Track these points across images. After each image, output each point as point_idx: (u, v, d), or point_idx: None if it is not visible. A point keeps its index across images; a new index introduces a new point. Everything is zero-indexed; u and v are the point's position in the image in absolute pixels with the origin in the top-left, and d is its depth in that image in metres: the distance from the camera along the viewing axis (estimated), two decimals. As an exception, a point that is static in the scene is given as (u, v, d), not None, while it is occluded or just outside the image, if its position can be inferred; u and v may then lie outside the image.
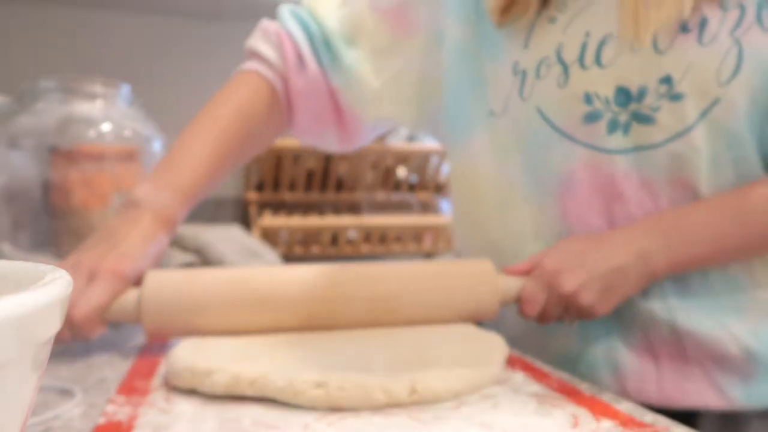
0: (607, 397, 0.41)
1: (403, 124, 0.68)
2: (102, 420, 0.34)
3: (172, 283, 0.48)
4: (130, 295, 0.48)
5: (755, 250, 0.48)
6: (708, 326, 0.48)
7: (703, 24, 0.45)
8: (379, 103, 0.64)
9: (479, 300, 0.51)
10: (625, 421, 0.36)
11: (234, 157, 0.61)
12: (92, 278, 0.47)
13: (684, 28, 0.46)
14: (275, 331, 0.49)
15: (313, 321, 0.49)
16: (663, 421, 0.36)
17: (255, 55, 0.64)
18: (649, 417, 0.37)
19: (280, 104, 0.64)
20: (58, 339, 0.43)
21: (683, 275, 0.49)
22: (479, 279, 0.51)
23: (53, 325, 0.18)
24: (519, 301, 0.51)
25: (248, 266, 0.52)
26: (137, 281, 0.49)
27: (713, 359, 0.48)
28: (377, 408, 0.37)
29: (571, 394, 0.41)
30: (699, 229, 0.47)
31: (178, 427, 0.34)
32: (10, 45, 1.27)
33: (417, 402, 0.38)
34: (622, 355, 0.52)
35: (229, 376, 0.38)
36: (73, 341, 0.48)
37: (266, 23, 0.65)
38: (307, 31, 0.63)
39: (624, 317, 0.52)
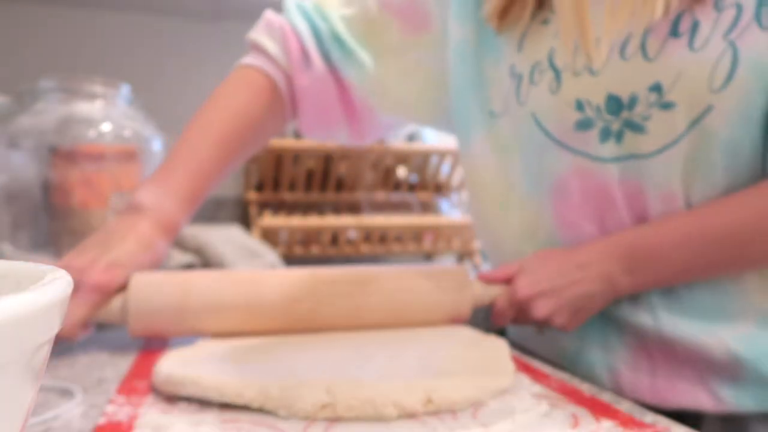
0: (607, 397, 0.41)
1: (419, 120, 0.68)
2: (102, 420, 0.34)
3: (155, 286, 0.48)
4: (116, 301, 0.48)
5: (721, 270, 0.47)
6: (694, 333, 0.48)
7: (694, 28, 0.43)
8: (394, 99, 0.63)
9: (453, 303, 0.53)
10: (626, 421, 0.36)
11: (235, 159, 0.61)
12: (75, 290, 0.46)
13: (674, 32, 0.44)
14: (257, 332, 0.50)
15: (294, 322, 0.50)
16: (663, 422, 0.36)
17: (258, 48, 0.63)
18: (650, 417, 0.37)
19: (283, 102, 0.64)
20: None
21: (670, 288, 0.49)
22: (454, 284, 0.53)
23: (53, 326, 0.18)
24: (491, 311, 0.54)
25: (233, 269, 0.52)
26: (124, 285, 0.49)
27: (703, 362, 0.48)
28: (389, 421, 0.36)
29: (571, 394, 0.41)
30: (660, 253, 0.47)
31: (178, 427, 0.34)
32: (10, 45, 1.27)
33: (431, 412, 0.37)
34: (618, 356, 0.52)
35: (228, 399, 0.37)
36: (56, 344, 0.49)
37: (270, 15, 0.64)
38: (314, 26, 0.62)
39: (616, 325, 0.52)
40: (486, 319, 0.77)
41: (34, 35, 1.30)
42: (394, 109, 0.64)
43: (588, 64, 0.47)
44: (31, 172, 0.73)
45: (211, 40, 1.39)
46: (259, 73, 0.62)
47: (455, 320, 0.54)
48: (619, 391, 0.51)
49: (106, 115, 0.77)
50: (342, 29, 0.62)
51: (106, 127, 0.76)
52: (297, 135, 1.39)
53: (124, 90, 0.80)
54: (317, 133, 0.69)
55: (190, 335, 0.50)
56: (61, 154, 0.73)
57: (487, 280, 0.54)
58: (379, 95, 0.63)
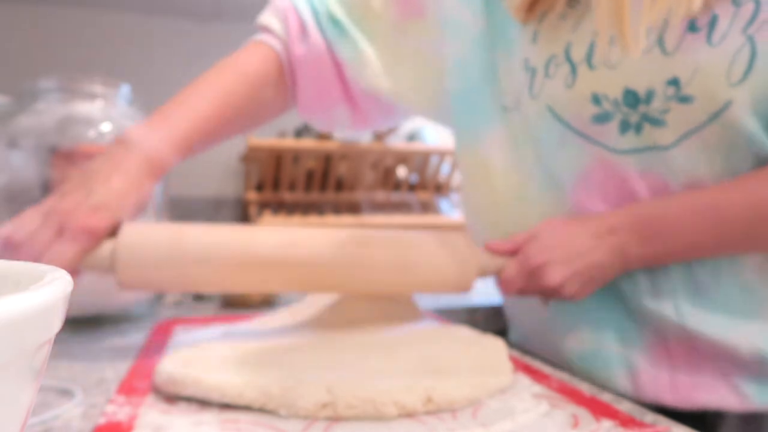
0: (607, 397, 0.41)
1: (413, 107, 0.67)
2: (102, 420, 0.34)
3: (148, 239, 0.46)
4: (105, 247, 0.47)
5: (733, 248, 0.47)
6: (719, 329, 0.47)
7: (713, 22, 0.43)
8: (387, 81, 0.63)
9: (459, 267, 0.51)
10: (626, 421, 0.36)
11: (234, 119, 0.59)
12: (62, 232, 0.45)
13: (692, 27, 0.44)
14: (253, 286, 0.48)
15: (291, 275, 0.48)
16: (664, 422, 0.36)
17: (262, 28, 0.65)
18: (650, 417, 0.37)
19: (284, 74, 0.64)
20: None
21: (696, 279, 0.49)
22: (460, 248, 0.51)
23: (53, 326, 0.18)
24: (498, 279, 0.52)
25: (225, 226, 0.50)
26: (112, 233, 0.47)
27: (726, 358, 0.47)
28: (389, 420, 0.36)
29: (571, 394, 0.41)
30: (674, 225, 0.46)
31: (178, 427, 0.34)
32: (10, 45, 1.27)
33: (431, 411, 0.37)
34: (636, 355, 0.51)
35: (229, 399, 0.37)
36: None
37: (278, 0, 0.65)
38: (313, 6, 0.64)
39: (636, 317, 0.51)
40: (485, 320, 0.77)
41: (34, 35, 1.30)
42: (388, 91, 0.64)
43: (623, 55, 0.46)
44: (31, 172, 0.73)
45: (211, 40, 1.39)
46: (262, 45, 0.63)
47: (460, 287, 0.52)
48: (637, 390, 0.50)
49: (106, 115, 0.77)
50: (338, 10, 0.63)
51: (106, 127, 0.76)
52: (297, 135, 1.39)
53: (124, 90, 0.80)
54: (317, 114, 0.68)
55: (181, 290, 0.48)
56: (61, 154, 0.73)
57: (494, 250, 0.52)
58: (372, 76, 0.63)
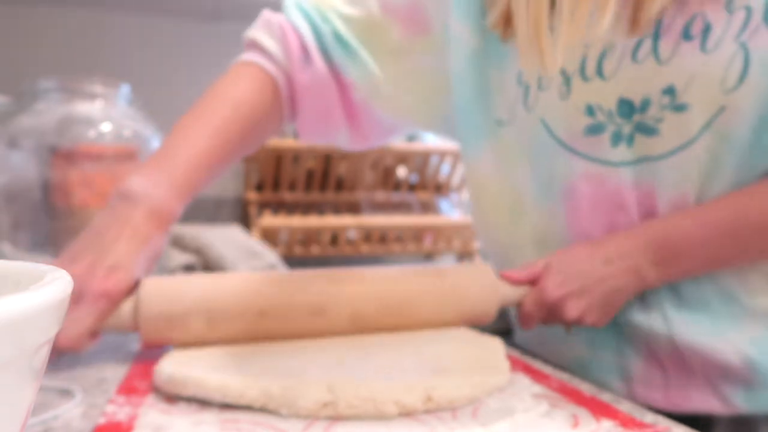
0: (607, 397, 0.41)
1: (420, 124, 0.66)
2: (102, 420, 0.34)
3: (169, 294, 0.46)
4: (125, 307, 0.46)
5: (748, 260, 0.47)
6: (706, 337, 0.48)
7: (706, 30, 0.44)
8: (394, 101, 0.62)
9: (478, 305, 0.51)
10: (626, 421, 0.36)
11: (232, 153, 0.58)
12: (79, 300, 0.44)
13: (687, 35, 0.44)
14: (277, 340, 0.48)
15: (315, 329, 0.48)
16: (664, 422, 0.36)
17: (256, 46, 0.61)
18: (650, 417, 0.37)
19: (281, 101, 0.62)
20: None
21: (678, 288, 0.49)
22: (480, 284, 0.51)
23: (53, 326, 0.18)
24: (518, 313, 0.52)
25: (245, 272, 0.50)
26: (131, 292, 0.47)
27: (715, 368, 0.48)
28: (389, 419, 0.36)
29: (571, 394, 0.41)
30: (689, 243, 0.46)
31: (178, 427, 0.34)
32: (10, 45, 1.27)
33: (431, 410, 0.37)
34: (631, 362, 0.52)
35: (231, 399, 0.37)
36: (63, 356, 0.46)
37: (269, 14, 0.62)
38: (314, 26, 0.61)
39: (628, 332, 0.52)
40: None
41: (34, 35, 1.30)
42: (395, 112, 0.63)
43: (542, 73, 0.47)
44: (31, 172, 0.73)
45: (211, 40, 1.39)
46: (257, 69, 0.60)
47: (481, 321, 0.53)
48: (632, 399, 0.51)
49: (106, 115, 0.77)
50: (343, 29, 0.61)
51: (106, 127, 0.76)
52: (297, 135, 1.39)
53: (124, 90, 0.80)
54: (316, 136, 0.67)
55: (204, 343, 0.47)
56: (61, 154, 0.73)
57: (512, 280, 0.52)
58: (381, 97, 0.62)
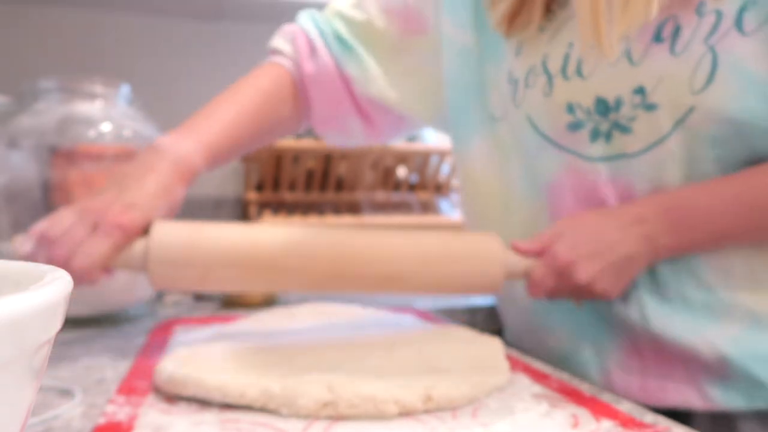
0: (607, 397, 0.41)
1: (421, 119, 0.69)
2: (102, 420, 0.34)
3: (180, 236, 0.47)
4: (137, 245, 0.47)
5: (758, 237, 0.47)
6: (684, 331, 0.48)
7: (676, 33, 0.45)
8: (394, 96, 0.65)
9: (484, 272, 0.50)
10: (626, 421, 0.36)
11: (257, 131, 0.61)
12: (95, 229, 0.46)
13: (657, 37, 0.46)
14: (283, 289, 0.49)
15: (319, 282, 0.48)
16: (663, 422, 0.36)
17: (273, 51, 0.67)
18: (650, 417, 0.37)
19: (297, 90, 0.66)
20: None
21: (657, 279, 0.50)
22: (486, 251, 0.50)
23: (53, 326, 0.18)
24: (527, 281, 0.51)
25: (257, 225, 0.50)
26: (144, 231, 0.48)
27: (692, 361, 0.48)
28: (389, 419, 0.36)
29: (571, 394, 0.41)
30: (704, 214, 0.46)
31: (178, 427, 0.34)
32: (10, 45, 1.27)
33: (430, 410, 0.37)
34: (610, 354, 0.52)
35: (231, 399, 0.37)
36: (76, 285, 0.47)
37: (287, 26, 0.68)
38: (319, 27, 0.66)
39: (609, 323, 0.52)
40: (484, 320, 0.77)
41: (34, 35, 1.30)
42: (396, 105, 0.66)
43: (601, 60, 0.48)
44: (31, 172, 0.73)
45: (211, 40, 1.39)
46: (276, 66, 0.65)
47: (487, 289, 0.51)
48: (610, 391, 0.51)
49: (106, 115, 0.77)
50: (344, 30, 0.65)
51: (106, 127, 0.76)
52: (297, 135, 1.39)
53: (124, 90, 0.80)
54: (331, 128, 0.70)
55: (212, 289, 0.49)
56: (61, 154, 0.73)
57: (520, 250, 0.51)
58: (379, 90, 0.65)
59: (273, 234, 0.48)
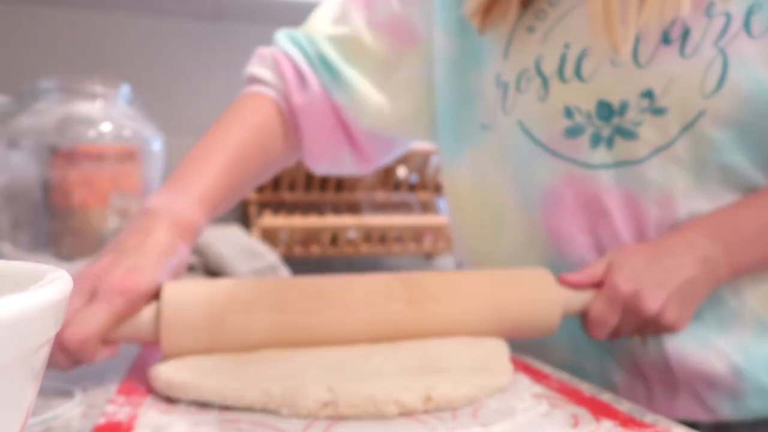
0: (607, 397, 0.41)
1: (417, 136, 0.65)
2: (102, 420, 0.34)
3: (196, 297, 0.42)
4: (145, 313, 0.41)
5: None
6: (694, 345, 0.47)
7: (685, 35, 0.44)
8: (386, 115, 0.61)
9: (539, 314, 0.46)
10: (626, 421, 0.36)
11: (252, 174, 0.57)
12: (94, 296, 0.40)
13: (666, 39, 0.45)
14: (313, 348, 0.44)
15: (351, 334, 0.44)
16: (664, 422, 0.36)
17: (253, 80, 0.62)
18: (650, 417, 0.37)
19: (287, 124, 0.61)
20: (54, 364, 0.39)
21: None
22: (539, 291, 0.46)
23: (53, 326, 0.18)
24: (586, 321, 0.47)
25: (274, 278, 0.47)
26: (151, 297, 0.42)
27: (702, 379, 0.47)
28: (389, 419, 0.36)
29: (571, 394, 0.41)
30: (758, 231, 0.45)
31: (178, 427, 0.34)
32: (10, 45, 1.27)
33: (431, 410, 0.37)
34: (614, 373, 0.51)
35: (230, 402, 0.37)
36: (74, 367, 0.41)
37: (261, 49, 0.63)
38: (302, 50, 0.61)
39: (612, 343, 0.51)
40: None
41: (34, 35, 1.30)
42: (388, 126, 0.62)
43: (614, 56, 0.46)
44: (31, 172, 0.73)
45: (211, 40, 1.39)
46: (261, 97, 0.60)
47: (541, 333, 0.47)
48: None
49: (106, 115, 0.77)
50: (328, 50, 0.60)
51: (106, 127, 0.76)
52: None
53: (124, 90, 0.81)
54: (325, 163, 0.65)
55: (233, 352, 0.43)
56: (61, 154, 0.73)
57: (573, 284, 0.46)
58: (369, 114, 0.61)
59: (289, 287, 0.44)
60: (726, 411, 0.47)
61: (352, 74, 0.60)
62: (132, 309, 0.40)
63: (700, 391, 0.47)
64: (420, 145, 1.48)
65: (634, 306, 0.44)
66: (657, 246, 0.46)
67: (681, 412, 0.48)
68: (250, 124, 0.57)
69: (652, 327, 0.45)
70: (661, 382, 0.49)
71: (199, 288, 0.42)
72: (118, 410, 0.36)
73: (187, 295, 0.42)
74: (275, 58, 0.60)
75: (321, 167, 0.66)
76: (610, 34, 0.44)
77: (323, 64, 0.60)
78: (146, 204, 0.48)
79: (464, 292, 0.46)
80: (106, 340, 0.40)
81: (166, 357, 0.41)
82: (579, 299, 0.46)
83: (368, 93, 0.60)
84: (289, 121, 0.61)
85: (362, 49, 0.60)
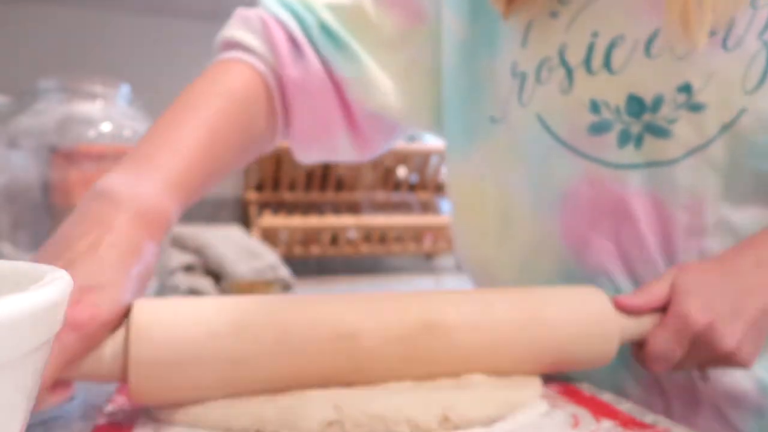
0: (607, 397, 0.40)
1: (419, 124, 0.60)
2: (102, 420, 0.34)
3: (175, 323, 0.32)
4: (108, 345, 0.32)
5: None
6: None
7: (729, 26, 0.41)
8: (392, 98, 0.55)
9: (599, 351, 0.40)
10: (626, 421, 0.36)
11: (232, 151, 0.47)
12: None
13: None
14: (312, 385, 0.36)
15: (361, 372, 0.36)
16: (664, 422, 0.36)
17: (232, 44, 0.51)
18: (650, 417, 0.37)
19: (273, 102, 0.51)
20: None
21: None
22: (594, 318, 0.40)
23: (53, 326, 0.18)
24: (645, 352, 0.41)
25: (266, 297, 0.38)
26: (115, 326, 0.32)
27: (727, 396, 0.44)
28: None
29: (571, 394, 0.41)
30: None
31: (179, 427, 0.34)
32: (10, 45, 1.27)
33: (448, 430, 0.33)
34: (628, 385, 0.47)
35: (226, 427, 0.32)
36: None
37: (243, 11, 0.53)
38: (298, 16, 0.52)
39: (628, 359, 0.46)
40: None
41: (34, 35, 1.30)
42: (394, 110, 0.56)
43: (691, 46, 0.42)
44: (31, 172, 0.73)
45: (211, 40, 1.39)
46: (243, 65, 0.49)
47: (596, 365, 0.41)
48: None
49: (106, 115, 0.77)
50: (331, 20, 0.52)
51: (106, 127, 0.76)
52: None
53: (124, 90, 0.81)
54: (314, 148, 0.57)
55: (224, 394, 0.34)
56: (61, 154, 0.73)
57: (631, 309, 0.41)
58: (376, 94, 0.54)
59: (285, 310, 0.35)
60: (751, 430, 0.44)
61: (358, 48, 0.53)
62: (88, 346, 0.31)
63: (723, 408, 0.45)
64: (420, 145, 1.48)
65: (708, 341, 0.39)
66: (722, 264, 0.41)
67: (701, 428, 0.45)
68: (230, 95, 0.47)
69: (722, 363, 0.40)
70: (681, 397, 0.46)
71: (178, 309, 0.33)
72: (118, 410, 0.36)
73: (163, 322, 0.32)
74: (264, 22, 0.51)
75: (311, 154, 0.57)
76: (685, 21, 0.40)
77: (326, 34, 0.52)
78: (101, 185, 0.36)
79: (499, 318, 0.38)
80: (57, 383, 0.31)
81: (137, 402, 0.33)
82: (636, 326, 0.40)
83: (377, 71, 0.53)
84: (276, 97, 0.51)
85: (366, 22, 0.54)
